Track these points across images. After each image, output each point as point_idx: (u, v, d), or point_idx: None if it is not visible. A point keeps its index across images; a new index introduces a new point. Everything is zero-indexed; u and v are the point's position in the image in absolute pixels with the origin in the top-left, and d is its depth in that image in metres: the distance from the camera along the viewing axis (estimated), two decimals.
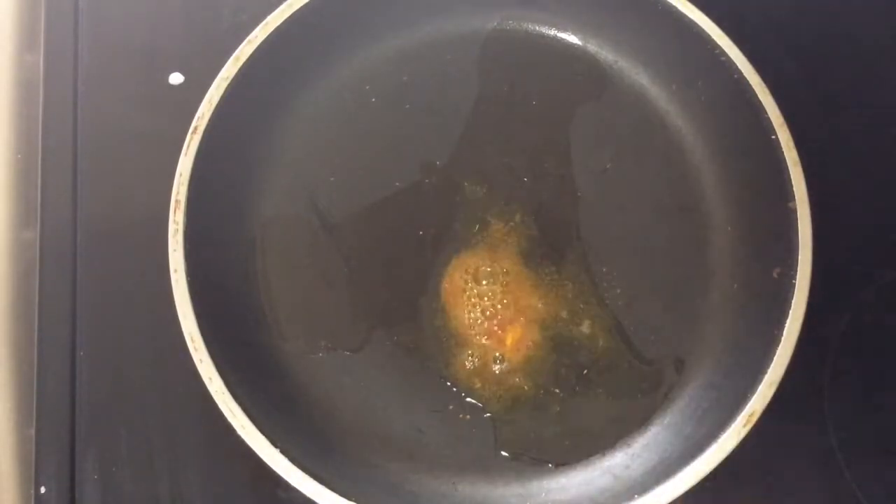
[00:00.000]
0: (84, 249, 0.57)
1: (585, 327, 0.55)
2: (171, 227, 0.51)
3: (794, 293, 0.50)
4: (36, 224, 0.57)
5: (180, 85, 0.60)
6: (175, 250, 0.51)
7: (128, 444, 0.53)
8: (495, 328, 0.55)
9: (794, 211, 0.52)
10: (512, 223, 0.57)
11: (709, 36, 0.55)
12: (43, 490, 0.52)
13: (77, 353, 0.55)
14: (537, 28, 0.62)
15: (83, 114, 0.59)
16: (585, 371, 0.54)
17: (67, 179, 0.58)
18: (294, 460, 0.48)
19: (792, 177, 0.52)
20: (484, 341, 0.55)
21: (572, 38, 0.61)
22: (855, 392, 0.55)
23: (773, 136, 0.53)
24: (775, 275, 0.52)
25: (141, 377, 0.55)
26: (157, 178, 0.54)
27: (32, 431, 0.53)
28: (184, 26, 0.62)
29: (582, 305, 0.55)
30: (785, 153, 0.53)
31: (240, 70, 0.54)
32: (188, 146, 0.52)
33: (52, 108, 0.59)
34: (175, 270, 0.51)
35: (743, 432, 0.48)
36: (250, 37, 0.55)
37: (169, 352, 0.51)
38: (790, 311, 0.50)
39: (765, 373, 0.49)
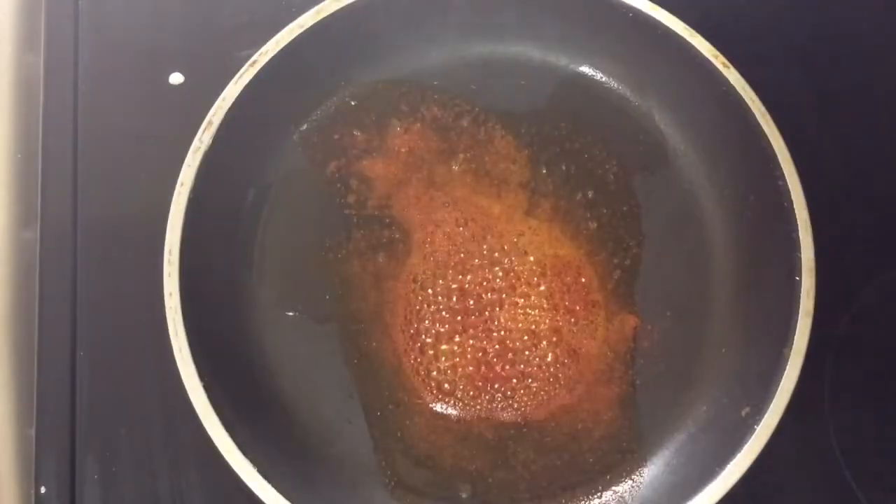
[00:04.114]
0: (84, 249, 0.57)
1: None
2: (168, 238, 0.51)
3: (799, 309, 0.51)
4: (36, 224, 0.57)
5: (180, 85, 0.60)
6: (171, 249, 0.51)
7: (128, 444, 0.53)
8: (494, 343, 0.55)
9: (794, 213, 0.52)
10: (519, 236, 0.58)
11: (698, 51, 0.55)
12: (43, 490, 0.52)
13: (77, 353, 0.55)
14: None
15: (83, 114, 0.59)
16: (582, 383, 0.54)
17: (67, 179, 0.58)
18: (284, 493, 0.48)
19: (789, 182, 0.53)
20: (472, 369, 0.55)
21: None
22: (855, 392, 0.55)
23: (768, 142, 0.53)
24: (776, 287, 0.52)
25: (141, 377, 0.55)
26: (158, 177, 0.54)
27: (32, 431, 0.53)
28: (184, 26, 0.62)
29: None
30: (780, 159, 0.53)
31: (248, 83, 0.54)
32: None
33: (52, 108, 0.59)
34: (169, 273, 0.51)
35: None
36: (263, 50, 0.55)
37: (169, 352, 0.51)
38: (796, 331, 0.50)
39: (772, 399, 0.49)
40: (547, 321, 0.55)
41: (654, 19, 0.56)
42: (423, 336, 0.55)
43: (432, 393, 0.54)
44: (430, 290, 0.56)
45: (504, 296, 0.55)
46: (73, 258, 0.56)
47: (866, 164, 0.60)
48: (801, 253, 0.51)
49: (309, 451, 0.53)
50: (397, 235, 0.57)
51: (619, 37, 0.58)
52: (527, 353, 0.55)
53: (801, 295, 0.51)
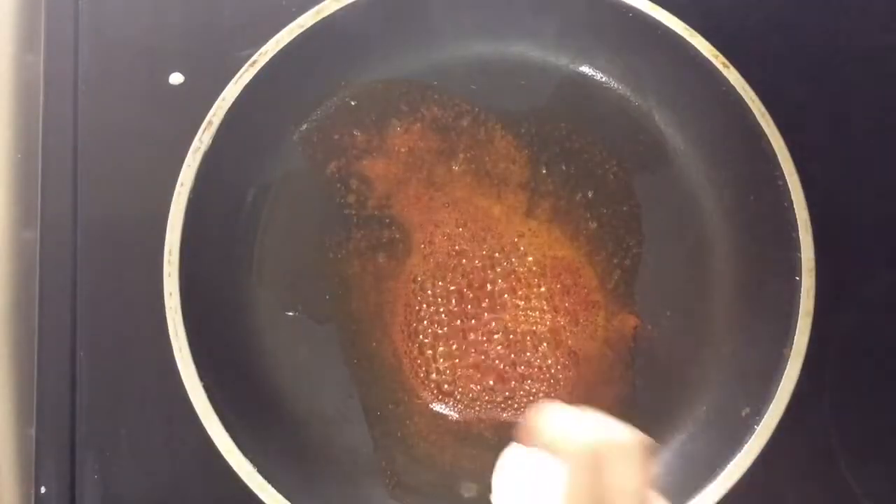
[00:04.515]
0: (84, 249, 0.57)
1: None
2: (168, 239, 0.51)
3: (799, 309, 0.51)
4: (36, 224, 0.57)
5: (180, 85, 0.60)
6: (171, 251, 0.51)
7: (128, 444, 0.53)
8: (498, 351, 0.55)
9: (794, 213, 0.52)
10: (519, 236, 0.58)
11: (698, 51, 0.55)
12: (43, 490, 0.52)
13: (77, 353, 0.55)
14: None
15: (83, 114, 0.59)
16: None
17: (67, 179, 0.58)
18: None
19: (789, 182, 0.53)
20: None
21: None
22: (856, 392, 0.56)
23: (768, 142, 0.53)
24: (775, 288, 0.52)
25: (141, 377, 0.55)
26: (158, 177, 0.54)
27: (32, 431, 0.53)
28: (184, 26, 0.62)
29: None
30: (780, 159, 0.53)
31: (245, 87, 0.54)
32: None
33: (52, 108, 0.59)
34: (169, 273, 0.51)
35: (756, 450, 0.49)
36: (262, 49, 0.55)
37: (169, 351, 0.51)
38: (796, 331, 0.50)
39: (772, 399, 0.50)
40: (547, 322, 0.55)
41: (653, 19, 0.56)
42: (423, 336, 0.55)
43: (432, 393, 0.54)
44: (429, 291, 0.56)
45: (504, 296, 0.55)
46: (73, 258, 0.56)
47: (866, 165, 0.60)
48: (801, 253, 0.51)
49: (309, 451, 0.53)
50: (397, 235, 0.57)
51: (619, 37, 0.58)
52: (527, 353, 0.55)
53: (801, 295, 0.51)
